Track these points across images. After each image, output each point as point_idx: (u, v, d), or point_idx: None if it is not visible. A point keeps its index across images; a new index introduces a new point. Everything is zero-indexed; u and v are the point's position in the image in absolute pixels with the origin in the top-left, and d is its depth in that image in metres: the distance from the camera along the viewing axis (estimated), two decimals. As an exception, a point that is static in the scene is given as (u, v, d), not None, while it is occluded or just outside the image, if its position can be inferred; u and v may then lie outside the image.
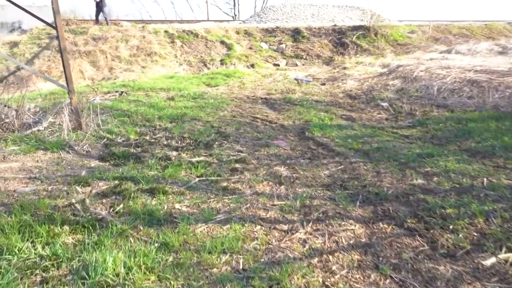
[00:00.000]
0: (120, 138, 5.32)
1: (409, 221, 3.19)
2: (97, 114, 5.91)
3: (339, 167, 4.59)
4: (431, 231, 2.99)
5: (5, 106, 5.58)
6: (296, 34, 17.79)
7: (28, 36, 14.69)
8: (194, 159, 4.74)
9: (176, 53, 14.68)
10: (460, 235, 2.91)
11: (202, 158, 4.85)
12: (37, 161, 4.40)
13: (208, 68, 13.92)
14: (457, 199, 3.53)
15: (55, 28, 6.22)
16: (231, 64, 14.19)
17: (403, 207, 3.44)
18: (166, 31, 15.58)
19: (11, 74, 5.91)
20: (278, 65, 15.21)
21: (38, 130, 5.06)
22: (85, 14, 47.22)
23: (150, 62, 13.69)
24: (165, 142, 5.42)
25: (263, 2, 45.76)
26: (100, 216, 3.09)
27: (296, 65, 15.44)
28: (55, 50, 13.63)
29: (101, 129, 5.48)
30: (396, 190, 3.82)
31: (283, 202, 3.53)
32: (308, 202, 3.56)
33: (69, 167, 4.28)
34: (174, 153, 5.01)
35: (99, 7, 16.52)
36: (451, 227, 3.03)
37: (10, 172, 4.04)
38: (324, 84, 11.09)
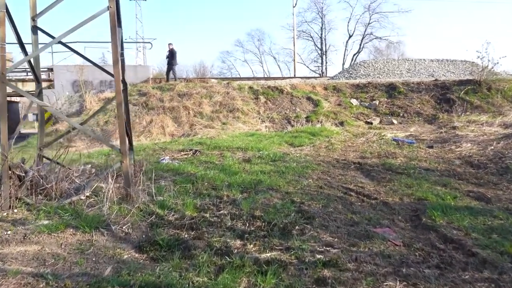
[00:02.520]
0: (173, 215, 4.15)
1: None
2: (154, 180, 4.92)
3: (498, 294, 2.76)
4: None
5: (57, 163, 4.87)
6: (391, 89, 16.06)
7: (121, 93, 15.30)
8: (263, 256, 3.32)
9: (259, 109, 13.95)
10: None
11: (275, 253, 3.41)
12: (61, 244, 3.37)
13: (292, 126, 12.81)
14: None
15: (123, 82, 5.59)
16: (318, 121, 12.91)
17: None
18: (250, 87, 15.10)
19: (66, 134, 5.27)
20: (371, 123, 13.51)
21: (80, 199, 4.16)
22: (183, 72, 51.24)
23: (232, 118, 13.07)
24: (229, 223, 4.10)
25: (352, 59, 45.05)
26: None
27: (392, 123, 13.58)
28: (142, 106, 13.83)
29: (153, 201, 4.41)
30: None
31: None
32: None
33: (94, 258, 3.15)
34: (238, 242, 3.64)
35: (170, 65, 16.98)
36: None
37: (20, 261, 3.03)
38: (431, 147, 9.09)
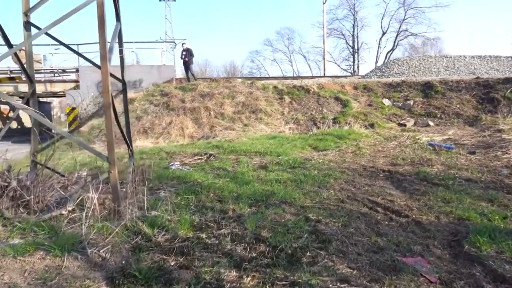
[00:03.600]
0: (163, 235, 3.58)
1: None
2: (154, 190, 4.40)
3: None
4: None
5: (52, 170, 4.44)
6: (427, 88, 14.88)
7: (144, 93, 15.08)
8: (261, 295, 2.68)
9: (283, 110, 13.25)
10: None
11: (276, 291, 2.76)
12: (25, 271, 2.88)
13: (318, 128, 12.02)
14: None
15: (122, 82, 5.12)
16: (346, 123, 12.06)
17: None
18: (275, 87, 14.43)
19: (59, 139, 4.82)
20: (405, 125, 12.49)
21: (61, 214, 3.68)
22: (214, 72, 51.06)
23: (254, 119, 12.46)
24: (228, 247, 3.48)
25: (386, 58, 43.35)
26: None
27: (428, 125, 12.49)
28: (163, 107, 13.49)
29: (144, 217, 3.86)
30: None
31: None
32: None
33: (55, 293, 2.61)
34: (233, 273, 3.01)
35: (186, 65, 16.42)
36: None
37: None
38: (473, 153, 8.08)
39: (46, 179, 4.16)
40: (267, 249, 3.45)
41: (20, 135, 20.34)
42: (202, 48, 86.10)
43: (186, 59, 16.04)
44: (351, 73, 41.43)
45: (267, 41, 56.06)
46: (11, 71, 16.91)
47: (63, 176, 4.78)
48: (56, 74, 17.90)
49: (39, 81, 18.18)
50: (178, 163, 6.82)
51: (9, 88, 17.77)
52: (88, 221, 3.54)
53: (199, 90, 14.12)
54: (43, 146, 4.95)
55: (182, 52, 16.20)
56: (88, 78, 16.65)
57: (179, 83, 16.72)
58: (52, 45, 16.40)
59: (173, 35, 39.85)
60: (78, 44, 17.44)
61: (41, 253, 3.12)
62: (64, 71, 18.03)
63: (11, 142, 16.84)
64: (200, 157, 7.82)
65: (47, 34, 4.48)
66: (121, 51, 4.97)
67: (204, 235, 3.67)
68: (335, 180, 6.08)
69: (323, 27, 26.78)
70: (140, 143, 10.50)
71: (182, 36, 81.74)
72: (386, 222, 4.32)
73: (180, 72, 19.47)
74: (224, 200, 4.82)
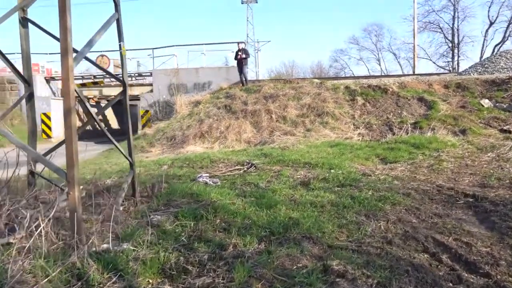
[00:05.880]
0: (113, 284, 2.68)
1: None
2: (154, 211, 3.56)
3: None
4: None
5: (50, 182, 3.89)
6: (543, 86, 11.94)
7: (210, 96, 14.73)
8: None
9: (354, 113, 11.67)
10: None
11: None
12: None
13: (394, 134, 10.24)
14: None
15: (123, 83, 4.42)
16: (429, 128, 10.07)
17: None
18: (346, 87, 12.86)
19: (59, 145, 4.25)
20: (509, 132, 10.01)
21: (8, 244, 3.03)
22: (300, 73, 49.94)
23: (319, 123, 11.13)
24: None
25: (493, 51, 37.65)
26: None
27: (543, 132, 9.84)
28: (226, 109, 12.91)
29: (106, 252, 3.01)
30: None
31: None
32: None
33: None
34: None
35: (240, 66, 15.09)
36: None
37: None
38: None
39: (19, 194, 3.60)
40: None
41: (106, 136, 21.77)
42: (288, 49, 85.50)
43: (244, 57, 14.84)
44: (449, 70, 36.83)
45: (353, 38, 52.86)
46: (94, 76, 18.03)
47: (62, 190, 4.22)
48: (133, 78, 18.63)
49: (118, 85, 19.15)
50: (207, 175, 5.97)
51: (94, 92, 19.03)
52: (32, 254, 2.81)
53: (263, 91, 13.24)
54: (46, 152, 4.45)
55: (237, 52, 15.02)
56: (160, 81, 16.95)
57: (252, 84, 16.04)
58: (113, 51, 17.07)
59: (254, 37, 39.86)
60: (153, 48, 17.94)
61: (-51, 299, 2.45)
62: (140, 75, 18.71)
63: (94, 143, 17.98)
64: (241, 167, 6.89)
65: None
66: (120, 46, 4.27)
67: (169, 288, 2.69)
68: (392, 207, 4.63)
69: (413, 20, 23.94)
70: (192, 148, 9.98)
71: (264, 38, 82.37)
72: (450, 285, 2.87)
73: (251, 73, 18.82)
74: (231, 229, 3.78)
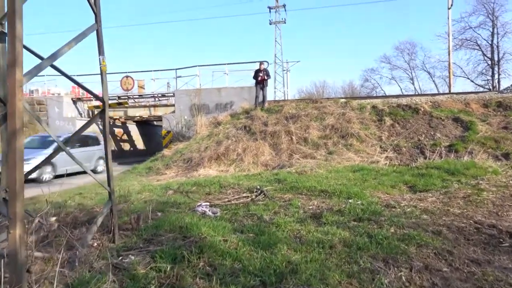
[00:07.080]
0: None
1: None
2: (126, 251, 2.99)
3: None
4: None
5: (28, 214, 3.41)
6: None
7: (230, 116, 14.29)
8: None
9: (381, 134, 10.78)
10: None
11: None
12: None
13: (426, 157, 9.27)
14: None
15: (103, 101, 3.95)
16: (466, 151, 9.04)
17: None
18: (373, 106, 12.02)
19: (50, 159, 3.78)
20: (560, 156, 8.80)
21: None
22: (331, 93, 48.97)
23: (342, 146, 10.33)
24: None
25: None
26: None
27: None
28: (245, 130, 12.37)
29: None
30: None
31: None
32: None
33: None
34: None
35: (261, 87, 14.10)
36: None
37: None
38: None
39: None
40: None
41: (131, 156, 21.78)
42: (319, 70, 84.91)
43: (265, 78, 13.94)
44: (489, 89, 34.79)
45: (384, 57, 51.27)
46: (119, 97, 18.14)
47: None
48: (156, 99, 18.61)
49: (145, 106, 19.17)
50: (207, 204, 5.36)
51: (119, 112, 19.13)
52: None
53: (285, 111, 12.63)
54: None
55: (257, 71, 14.10)
56: (182, 101, 16.76)
57: (277, 104, 15.49)
58: (125, 73, 16.99)
59: (283, 57, 39.53)
60: (177, 69, 17.86)
61: None
62: (163, 95, 18.66)
63: (117, 164, 17.90)
64: (249, 194, 6.24)
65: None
66: (100, 61, 3.82)
67: None
68: (418, 249, 3.81)
69: (448, 37, 22.74)
70: (205, 171, 9.44)
71: (292, 58, 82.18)
72: None
73: (273, 94, 18.27)
74: (215, 276, 3.13)
